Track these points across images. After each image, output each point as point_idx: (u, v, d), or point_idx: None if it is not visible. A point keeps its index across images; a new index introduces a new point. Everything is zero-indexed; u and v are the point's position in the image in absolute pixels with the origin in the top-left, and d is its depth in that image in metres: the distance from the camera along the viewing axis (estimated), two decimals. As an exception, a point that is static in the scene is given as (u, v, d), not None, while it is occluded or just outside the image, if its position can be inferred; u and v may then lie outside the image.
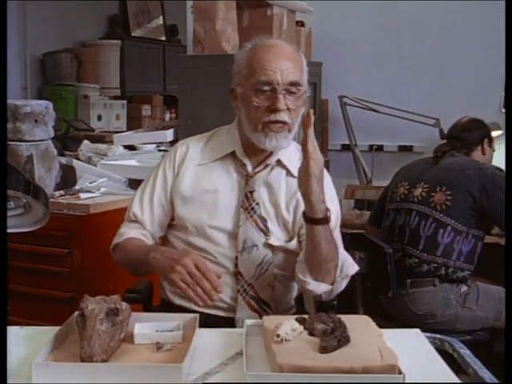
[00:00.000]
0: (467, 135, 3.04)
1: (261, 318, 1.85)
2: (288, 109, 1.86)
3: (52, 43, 7.21)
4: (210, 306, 1.85)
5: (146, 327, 1.52)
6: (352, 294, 2.65)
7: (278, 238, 1.97)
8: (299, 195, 1.81)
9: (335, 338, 1.39)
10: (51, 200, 2.83)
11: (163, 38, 8.75)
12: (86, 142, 3.85)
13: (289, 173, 1.98)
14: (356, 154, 4.35)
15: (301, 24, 4.26)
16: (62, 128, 4.83)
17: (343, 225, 2.07)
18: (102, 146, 3.84)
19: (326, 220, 1.77)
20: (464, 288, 2.85)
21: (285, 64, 1.87)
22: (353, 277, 1.94)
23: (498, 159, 3.21)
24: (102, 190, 3.13)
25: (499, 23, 4.07)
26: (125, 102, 7.70)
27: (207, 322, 1.75)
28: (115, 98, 7.74)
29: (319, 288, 1.86)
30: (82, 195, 3.03)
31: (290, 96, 1.87)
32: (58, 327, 1.50)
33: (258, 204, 1.96)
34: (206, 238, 1.96)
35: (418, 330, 1.68)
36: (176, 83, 3.94)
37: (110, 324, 1.40)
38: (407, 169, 3.13)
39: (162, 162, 2.09)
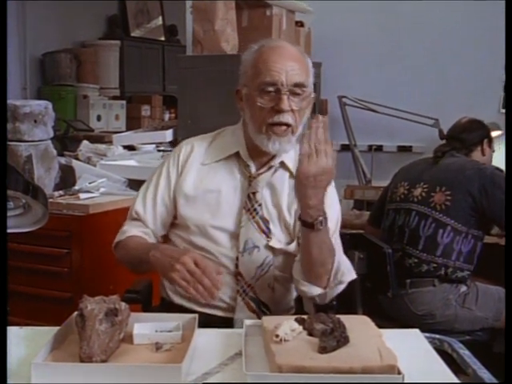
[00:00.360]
0: (467, 136, 3.04)
1: (259, 319, 1.85)
2: (292, 110, 1.86)
3: (51, 43, 7.21)
4: (211, 303, 1.86)
5: (146, 327, 1.52)
6: (351, 294, 2.65)
7: (279, 240, 1.96)
8: None
9: (334, 339, 1.39)
10: (50, 200, 2.84)
11: (162, 39, 8.75)
12: (85, 142, 3.85)
13: (292, 175, 1.97)
14: (355, 154, 4.35)
15: (300, 24, 4.27)
16: (61, 128, 4.84)
17: (342, 225, 2.07)
18: (102, 146, 3.84)
19: (314, 226, 1.76)
20: (463, 288, 2.85)
21: (290, 65, 1.87)
22: (352, 277, 1.95)
23: (498, 159, 3.22)
24: (102, 190, 3.13)
25: (499, 23, 4.07)
26: (124, 102, 7.70)
27: (206, 321, 1.75)
28: (114, 98, 7.74)
29: (311, 290, 1.86)
30: (82, 195, 3.03)
31: (294, 97, 1.87)
32: (58, 327, 1.50)
33: (260, 205, 1.95)
34: (207, 237, 1.96)
35: (417, 331, 1.68)
36: (175, 83, 3.94)
37: (109, 324, 1.40)
38: (407, 169, 3.13)
39: (166, 161, 2.08)
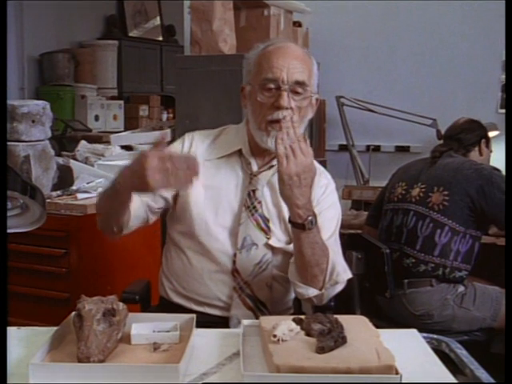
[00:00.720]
0: (464, 136, 3.05)
1: (256, 317, 1.86)
2: (292, 108, 1.87)
3: (49, 43, 7.20)
4: (209, 302, 1.86)
5: (143, 328, 1.52)
6: (349, 294, 2.65)
7: (278, 239, 1.97)
8: None
9: (332, 339, 1.39)
10: (48, 200, 2.84)
11: (160, 39, 8.75)
12: (83, 142, 3.85)
13: None
14: (353, 155, 4.35)
15: (298, 24, 4.26)
16: (59, 128, 4.83)
17: (340, 225, 2.07)
18: (99, 147, 3.84)
19: (303, 226, 1.77)
20: (461, 288, 2.85)
21: (292, 63, 1.88)
22: (350, 277, 1.95)
23: (495, 159, 3.22)
24: (100, 190, 3.12)
25: (497, 24, 4.09)
26: (122, 102, 7.70)
27: (204, 321, 1.75)
28: (112, 98, 7.74)
29: (308, 291, 1.86)
30: (79, 195, 3.03)
31: (295, 95, 1.88)
32: (55, 328, 1.50)
33: (260, 203, 1.96)
34: (206, 233, 1.96)
35: (414, 331, 1.68)
36: (173, 83, 3.94)
37: (106, 324, 1.40)
38: (405, 169, 3.13)
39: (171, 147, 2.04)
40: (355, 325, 1.51)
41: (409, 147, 4.55)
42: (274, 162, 1.97)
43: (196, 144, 2.04)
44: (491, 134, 3.46)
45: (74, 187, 3.13)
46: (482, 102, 4.26)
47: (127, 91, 8.03)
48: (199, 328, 1.57)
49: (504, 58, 4.20)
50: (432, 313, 2.82)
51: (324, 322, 1.45)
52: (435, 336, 1.69)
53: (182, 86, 3.68)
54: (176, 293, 2.03)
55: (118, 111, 7.55)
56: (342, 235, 2.05)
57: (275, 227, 1.97)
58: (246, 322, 1.61)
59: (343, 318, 1.49)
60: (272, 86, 1.87)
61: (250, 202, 1.96)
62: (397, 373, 1.30)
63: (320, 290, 1.86)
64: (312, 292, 1.86)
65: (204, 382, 1.36)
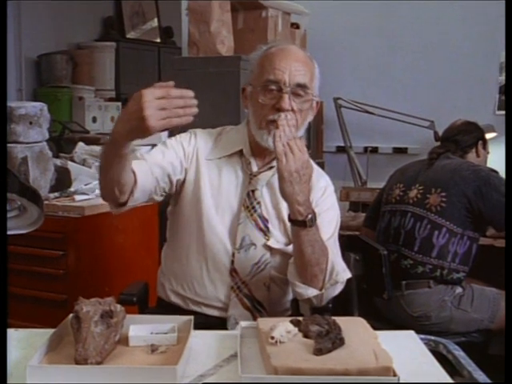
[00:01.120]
0: (461, 138, 3.05)
1: (254, 317, 1.87)
2: (293, 110, 1.87)
3: (47, 45, 7.19)
4: (207, 303, 1.87)
5: (141, 329, 1.52)
6: (347, 295, 2.65)
7: (277, 240, 1.97)
8: None
9: (330, 340, 1.39)
10: (46, 202, 2.84)
11: (158, 40, 8.73)
12: (80, 143, 3.84)
13: None
14: (351, 156, 4.35)
15: (296, 26, 4.27)
16: (56, 130, 4.82)
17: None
18: (97, 148, 3.83)
19: (304, 224, 1.78)
20: (459, 290, 2.85)
21: (294, 65, 1.89)
22: (348, 279, 1.95)
23: (492, 161, 3.23)
24: (97, 191, 3.12)
25: (494, 26, 4.10)
26: (120, 103, 7.67)
27: (202, 322, 1.75)
28: (110, 99, 7.72)
29: (307, 292, 1.87)
30: (77, 197, 3.03)
31: (296, 98, 1.89)
32: (53, 329, 1.50)
33: (259, 203, 1.97)
34: (208, 230, 1.96)
35: (412, 332, 1.68)
36: (171, 85, 3.93)
37: (104, 326, 1.40)
38: (402, 171, 3.13)
39: (173, 141, 2.03)
40: (353, 326, 1.51)
41: (406, 149, 4.56)
42: (274, 163, 1.98)
43: (198, 142, 2.04)
44: (488, 135, 3.47)
45: (71, 189, 3.12)
46: (479, 104, 4.27)
47: (125, 93, 8.01)
48: (197, 329, 1.57)
49: (501, 60, 4.21)
50: (430, 314, 2.82)
51: (322, 323, 1.45)
52: (433, 337, 1.69)
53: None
54: (174, 293, 2.03)
55: (116, 113, 7.52)
56: (339, 236, 2.05)
57: (274, 228, 1.98)
58: (243, 323, 1.61)
59: (341, 320, 1.49)
60: (274, 87, 1.88)
61: (249, 202, 1.97)
62: (394, 374, 1.30)
63: (320, 290, 1.87)
64: (311, 292, 1.86)
65: (202, 383, 1.36)
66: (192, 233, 1.98)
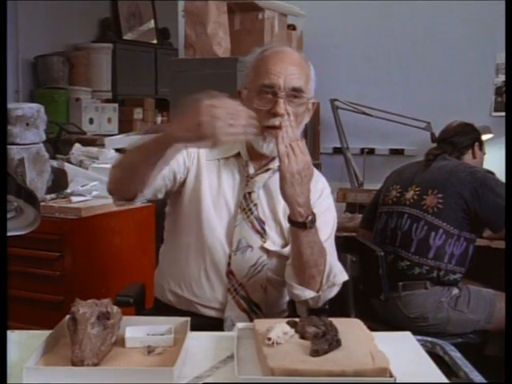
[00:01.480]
0: (458, 139, 3.06)
1: (250, 319, 1.87)
2: (288, 114, 1.87)
3: (44, 46, 7.19)
4: (204, 303, 1.89)
5: (138, 331, 1.52)
6: (344, 297, 2.65)
7: (273, 242, 1.97)
8: None
9: (326, 342, 1.39)
10: (42, 203, 2.83)
11: (155, 42, 8.73)
12: (77, 145, 3.84)
13: None
14: (347, 158, 4.35)
15: (292, 28, 4.27)
16: (53, 131, 4.83)
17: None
18: (94, 150, 3.83)
19: (304, 225, 1.78)
20: (455, 291, 2.86)
21: (289, 69, 1.88)
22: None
23: (489, 162, 3.23)
24: (94, 193, 3.13)
25: (490, 27, 4.11)
26: (116, 105, 7.68)
27: (200, 323, 1.75)
28: (107, 101, 7.72)
29: (304, 293, 1.87)
30: (74, 199, 3.03)
31: (291, 102, 1.88)
32: (49, 331, 1.50)
33: (255, 205, 1.96)
34: (205, 232, 1.96)
35: (409, 333, 1.68)
36: (168, 86, 3.94)
37: (101, 328, 1.40)
38: (399, 172, 3.14)
39: None
40: (349, 328, 1.52)
41: (403, 150, 4.56)
42: (271, 165, 1.98)
43: None
44: (485, 137, 3.47)
45: (68, 190, 3.12)
46: (475, 105, 4.27)
47: (122, 94, 8.02)
48: (194, 330, 1.57)
49: (497, 62, 4.21)
50: (426, 315, 2.82)
51: (318, 324, 1.45)
52: (429, 339, 1.69)
53: (176, 89, 3.69)
54: (172, 293, 2.03)
55: (113, 114, 7.53)
56: (336, 238, 2.05)
57: (271, 230, 1.98)
58: (240, 325, 1.61)
59: (338, 321, 1.49)
60: (269, 91, 1.87)
61: (245, 204, 1.97)
62: (391, 375, 1.30)
63: (317, 291, 1.87)
64: (309, 294, 1.87)
65: (198, 384, 1.36)
66: (191, 232, 1.98)
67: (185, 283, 2.00)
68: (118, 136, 4.74)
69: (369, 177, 4.32)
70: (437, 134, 3.35)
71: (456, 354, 1.60)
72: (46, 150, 3.16)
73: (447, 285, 2.85)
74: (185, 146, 1.71)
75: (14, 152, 2.94)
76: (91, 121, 7.20)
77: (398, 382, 1.29)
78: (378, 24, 4.54)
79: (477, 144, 3.11)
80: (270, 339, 1.41)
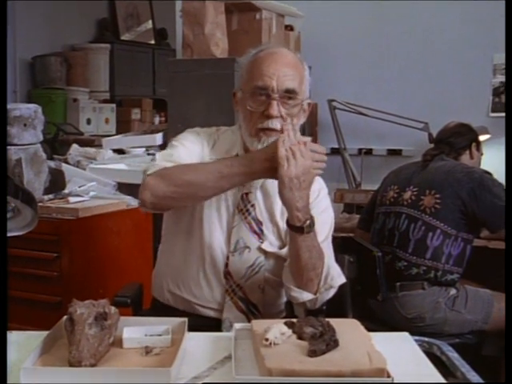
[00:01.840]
0: (455, 139, 3.06)
1: (248, 319, 1.87)
2: (282, 116, 1.87)
3: (41, 47, 7.19)
4: (202, 304, 1.91)
5: (135, 331, 1.52)
6: (341, 297, 2.65)
7: (271, 243, 1.97)
8: None
9: (324, 342, 1.39)
10: (40, 204, 2.83)
11: (153, 42, 8.73)
12: (74, 145, 3.84)
13: None
14: (345, 158, 4.35)
15: (290, 28, 4.27)
16: (51, 132, 4.82)
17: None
18: (91, 150, 3.84)
19: (302, 229, 1.77)
20: (453, 291, 2.86)
21: (283, 71, 1.88)
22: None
23: (486, 163, 3.23)
24: (91, 193, 3.13)
25: (488, 28, 4.11)
26: (114, 105, 7.68)
27: (197, 323, 1.75)
28: (104, 101, 7.72)
29: (302, 296, 1.87)
30: (71, 199, 3.03)
31: (285, 104, 1.88)
32: (47, 332, 1.49)
33: (253, 206, 1.96)
34: (205, 232, 1.96)
35: (406, 334, 1.68)
36: (165, 87, 3.94)
37: (98, 328, 1.40)
38: (396, 172, 3.14)
39: (180, 139, 2.04)
40: (347, 328, 1.52)
41: (401, 150, 4.55)
42: None
43: (203, 141, 2.03)
44: (482, 137, 3.48)
45: (65, 191, 3.12)
46: (473, 106, 4.27)
47: (119, 94, 8.02)
48: (191, 331, 1.57)
49: (495, 62, 4.21)
50: (424, 316, 2.82)
51: (316, 325, 1.45)
52: (427, 339, 1.69)
53: (174, 90, 3.68)
54: (170, 293, 2.03)
55: (110, 114, 7.53)
56: (333, 238, 2.05)
57: (268, 231, 1.98)
58: (237, 325, 1.61)
59: (335, 322, 1.49)
60: (262, 93, 1.87)
61: (243, 204, 1.97)
62: (388, 376, 1.30)
63: (314, 294, 1.87)
64: (306, 296, 1.87)
65: (196, 385, 1.36)
66: (190, 233, 1.98)
67: (183, 283, 2.00)
68: (115, 137, 4.74)
69: (366, 177, 4.32)
70: (434, 134, 3.35)
71: (453, 355, 1.60)
72: (44, 150, 3.16)
73: (445, 285, 2.85)
74: None
75: (12, 152, 2.94)
76: (89, 121, 7.20)
77: (395, 382, 1.30)
78: (375, 25, 4.53)
79: (474, 144, 3.11)
80: (267, 340, 1.41)
